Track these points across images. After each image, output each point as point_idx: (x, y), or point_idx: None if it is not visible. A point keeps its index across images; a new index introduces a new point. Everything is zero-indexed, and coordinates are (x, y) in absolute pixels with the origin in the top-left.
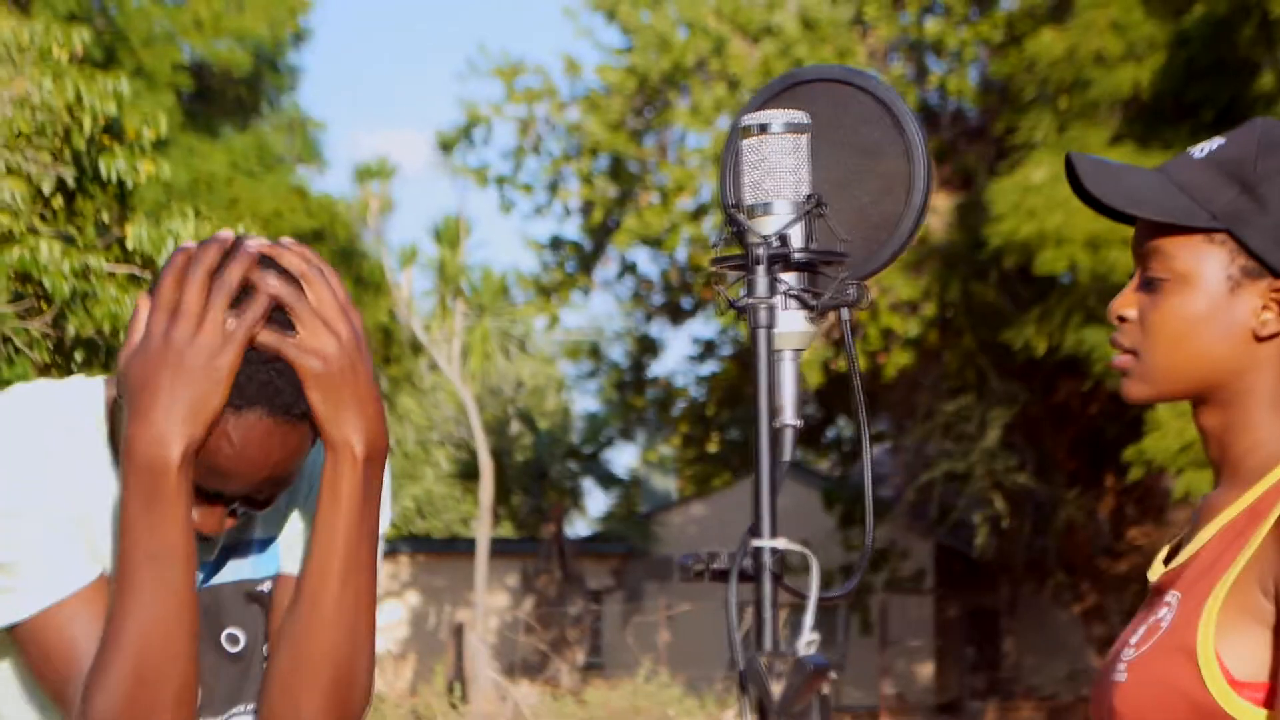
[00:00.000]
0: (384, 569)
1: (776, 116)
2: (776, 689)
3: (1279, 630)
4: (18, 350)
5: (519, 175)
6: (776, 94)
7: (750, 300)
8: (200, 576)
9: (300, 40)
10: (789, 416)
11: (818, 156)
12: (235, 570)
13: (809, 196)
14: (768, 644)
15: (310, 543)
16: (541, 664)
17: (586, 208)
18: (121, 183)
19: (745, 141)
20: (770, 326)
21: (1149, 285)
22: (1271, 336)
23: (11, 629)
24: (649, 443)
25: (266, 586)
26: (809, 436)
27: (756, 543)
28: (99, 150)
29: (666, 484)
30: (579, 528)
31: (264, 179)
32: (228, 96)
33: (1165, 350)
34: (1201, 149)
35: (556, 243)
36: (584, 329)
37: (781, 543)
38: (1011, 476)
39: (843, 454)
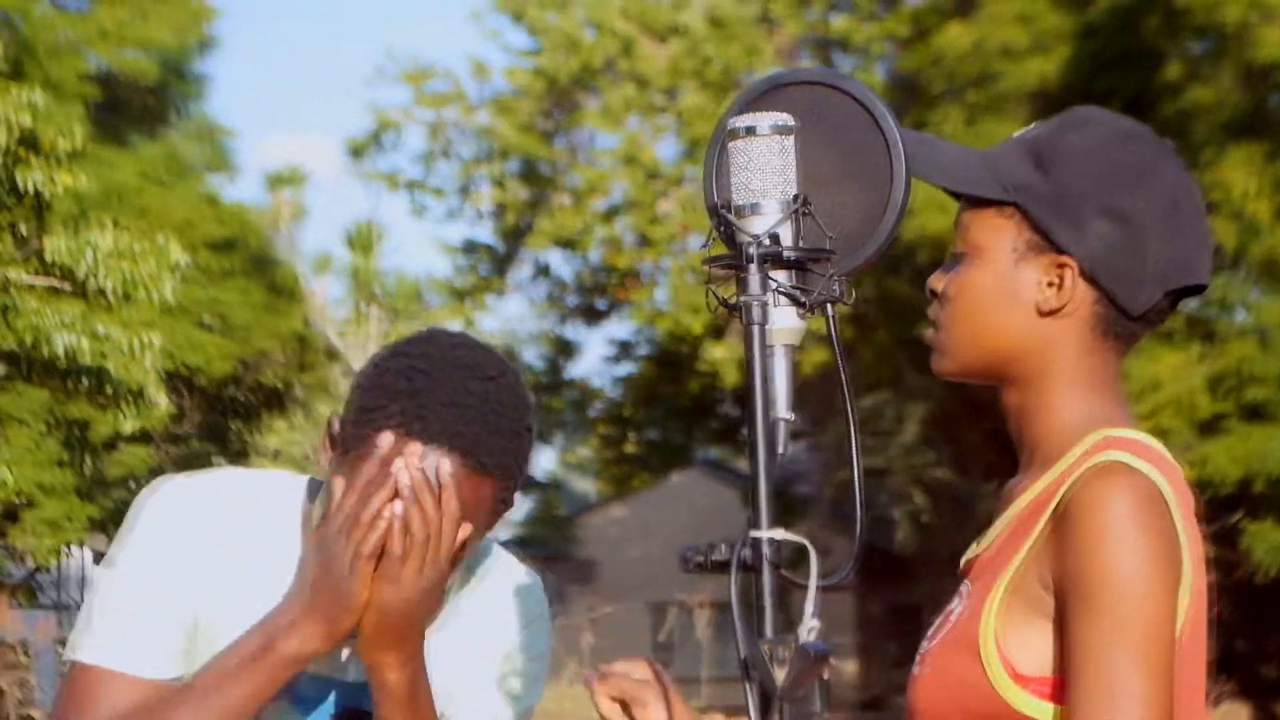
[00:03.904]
0: None
1: (763, 119)
2: (779, 675)
3: (1059, 622)
4: None
5: (430, 179)
6: (758, 96)
7: (744, 298)
8: (339, 703)
9: (208, 48)
10: (782, 410)
11: (800, 156)
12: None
13: (796, 196)
14: (768, 632)
15: None
16: None
17: (499, 210)
18: (39, 194)
19: (733, 144)
20: (764, 323)
21: (953, 260)
22: (1054, 312)
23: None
24: (567, 445)
25: None
26: (727, 435)
27: (755, 533)
28: (16, 162)
29: (586, 486)
30: (500, 531)
31: (175, 188)
32: (136, 106)
33: (958, 323)
34: (1023, 131)
35: (470, 246)
36: (499, 332)
37: (780, 533)
38: (930, 471)
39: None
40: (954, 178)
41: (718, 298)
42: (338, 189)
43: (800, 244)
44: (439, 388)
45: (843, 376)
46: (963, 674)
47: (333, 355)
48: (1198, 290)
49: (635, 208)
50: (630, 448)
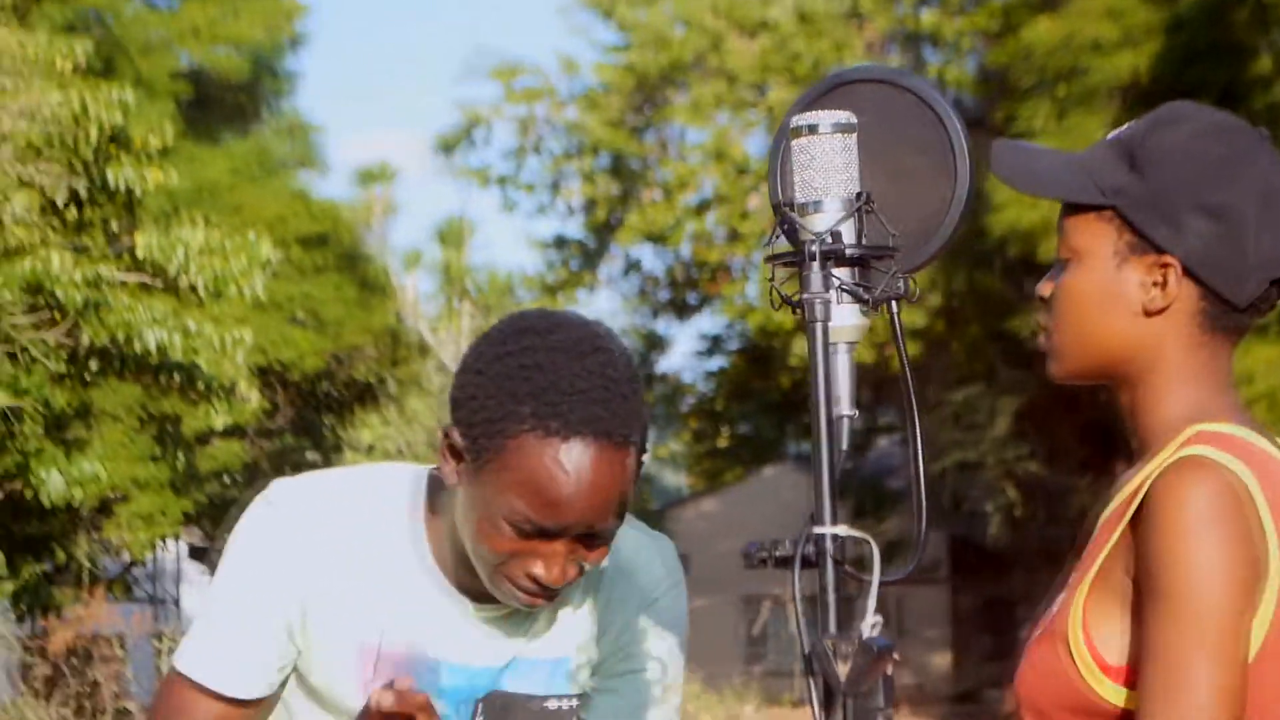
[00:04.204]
0: None
1: (825, 118)
2: (842, 670)
3: (1135, 610)
4: (34, 360)
5: (520, 175)
6: (821, 95)
7: (805, 295)
8: (481, 687)
9: (297, 45)
10: (845, 407)
11: (863, 154)
12: (525, 683)
13: (859, 194)
14: (830, 628)
15: None
16: None
17: (589, 206)
18: (129, 191)
19: (795, 142)
20: (825, 320)
21: (1058, 265)
22: (1159, 311)
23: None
24: (658, 439)
25: (558, 705)
26: None
27: (818, 530)
28: (106, 160)
29: (677, 480)
30: None
31: (266, 184)
32: (226, 103)
33: (1066, 328)
34: (1114, 132)
35: (560, 241)
36: None
37: (842, 529)
38: (1023, 465)
39: (853, 445)
40: (1050, 186)
41: (781, 295)
42: (428, 185)
43: (862, 241)
44: (559, 379)
45: (904, 372)
46: (1054, 664)
47: (424, 350)
48: None
49: (724, 203)
50: (721, 442)
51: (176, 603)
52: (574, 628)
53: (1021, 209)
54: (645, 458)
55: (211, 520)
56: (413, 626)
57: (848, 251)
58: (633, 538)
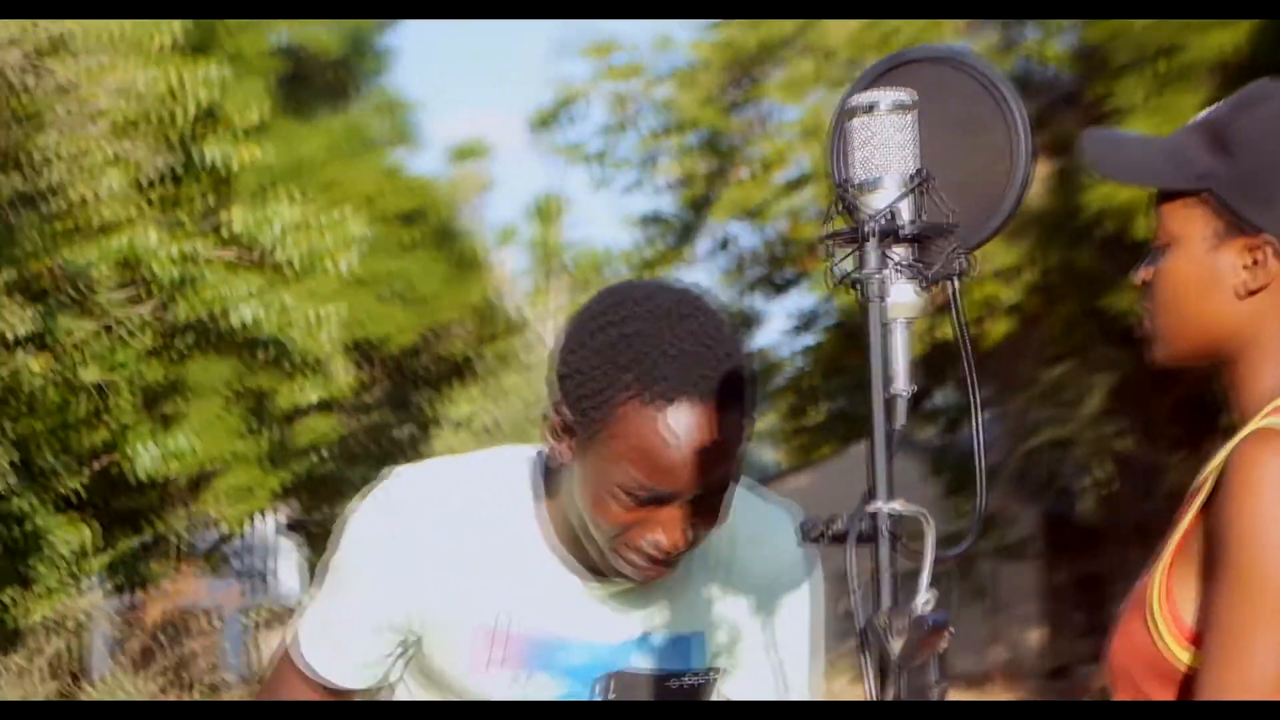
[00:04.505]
0: None
1: (883, 96)
2: (896, 646)
3: (1201, 575)
4: (126, 336)
5: (613, 152)
6: (881, 74)
7: (862, 273)
8: (605, 666)
9: (391, 22)
10: (901, 385)
11: (923, 132)
12: (651, 659)
13: (917, 172)
14: (885, 603)
15: None
16: None
17: (682, 183)
18: (222, 168)
19: (854, 121)
20: (882, 298)
21: (1154, 251)
22: (1257, 291)
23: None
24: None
25: (685, 682)
26: (912, 406)
27: (873, 506)
28: (198, 137)
29: (768, 456)
30: None
31: (359, 161)
32: (321, 80)
33: (1164, 314)
34: (1202, 114)
35: (653, 218)
36: None
37: (898, 505)
38: (1116, 442)
39: (947, 422)
40: (1140, 174)
41: (835, 273)
42: (522, 162)
43: (920, 219)
44: (659, 344)
45: (964, 350)
46: (1139, 631)
47: (517, 327)
48: None
49: (817, 180)
50: (813, 418)
51: (269, 577)
52: (699, 603)
53: (1115, 186)
54: (753, 416)
55: (304, 495)
56: (536, 607)
57: (905, 230)
58: (758, 507)
